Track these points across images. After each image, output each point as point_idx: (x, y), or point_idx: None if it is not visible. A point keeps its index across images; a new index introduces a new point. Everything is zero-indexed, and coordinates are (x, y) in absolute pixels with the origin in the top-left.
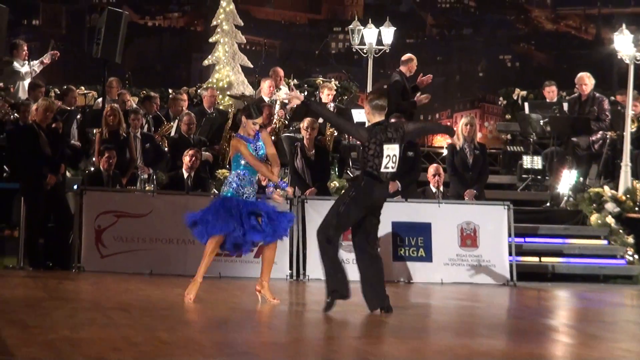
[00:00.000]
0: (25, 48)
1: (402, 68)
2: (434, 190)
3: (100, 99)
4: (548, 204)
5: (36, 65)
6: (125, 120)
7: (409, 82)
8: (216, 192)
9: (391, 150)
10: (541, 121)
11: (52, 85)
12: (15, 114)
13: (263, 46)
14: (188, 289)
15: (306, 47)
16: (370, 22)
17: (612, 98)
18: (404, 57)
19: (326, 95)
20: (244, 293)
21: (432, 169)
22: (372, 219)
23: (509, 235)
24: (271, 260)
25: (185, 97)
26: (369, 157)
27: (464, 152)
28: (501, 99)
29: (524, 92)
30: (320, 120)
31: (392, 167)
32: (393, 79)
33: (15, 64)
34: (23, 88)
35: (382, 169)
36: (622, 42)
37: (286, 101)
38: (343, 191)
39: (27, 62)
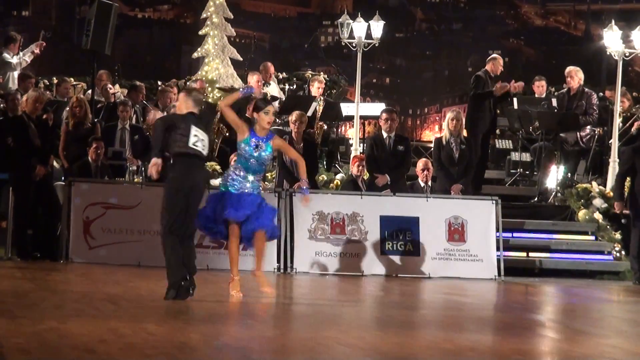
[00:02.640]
0: (19, 41)
1: (487, 66)
2: (422, 184)
3: (89, 91)
4: (536, 199)
5: (27, 55)
6: (114, 111)
7: (492, 80)
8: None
9: (200, 134)
10: (531, 128)
11: (42, 76)
12: (3, 105)
13: (252, 39)
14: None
15: (295, 41)
16: (359, 16)
17: (601, 94)
18: (489, 57)
19: (316, 89)
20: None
21: (420, 163)
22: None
23: (497, 230)
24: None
25: (174, 89)
26: (177, 136)
27: (450, 146)
28: None
29: None
30: (309, 113)
31: (203, 148)
32: (476, 75)
33: (6, 54)
34: (13, 79)
35: (191, 145)
36: (611, 39)
37: (277, 96)
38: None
39: (18, 53)
